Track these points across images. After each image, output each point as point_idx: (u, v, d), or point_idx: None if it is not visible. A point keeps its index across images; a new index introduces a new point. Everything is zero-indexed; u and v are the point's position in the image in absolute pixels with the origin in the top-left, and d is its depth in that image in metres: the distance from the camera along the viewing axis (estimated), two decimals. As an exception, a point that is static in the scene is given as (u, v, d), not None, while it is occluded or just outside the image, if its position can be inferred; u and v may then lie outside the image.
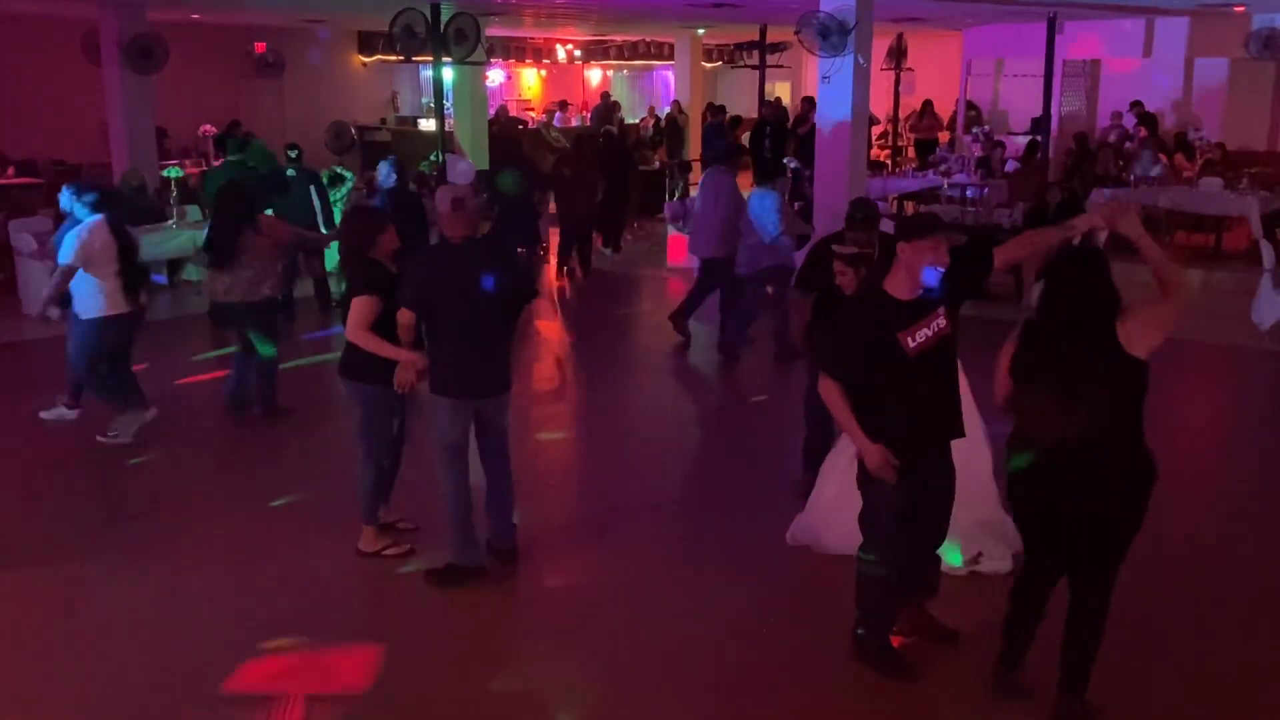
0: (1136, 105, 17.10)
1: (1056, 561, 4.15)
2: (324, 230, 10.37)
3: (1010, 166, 15.82)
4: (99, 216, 7.09)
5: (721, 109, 20.26)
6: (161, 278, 12.06)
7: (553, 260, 13.56)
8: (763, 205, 9.14)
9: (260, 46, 19.71)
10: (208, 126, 17.02)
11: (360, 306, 5.22)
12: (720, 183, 9.77)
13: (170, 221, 11.46)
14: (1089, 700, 4.13)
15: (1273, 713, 4.40)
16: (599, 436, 7.83)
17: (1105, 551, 4.02)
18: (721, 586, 5.35)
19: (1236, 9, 14.66)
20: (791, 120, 18.16)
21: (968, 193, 14.13)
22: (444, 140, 14.10)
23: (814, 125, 12.42)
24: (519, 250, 10.42)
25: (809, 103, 16.11)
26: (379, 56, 21.17)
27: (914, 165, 18.64)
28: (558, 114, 22.22)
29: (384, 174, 10.02)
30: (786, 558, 5.62)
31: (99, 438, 7.27)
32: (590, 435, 7.92)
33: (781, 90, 23.09)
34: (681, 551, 5.79)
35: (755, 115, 17.64)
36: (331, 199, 11.32)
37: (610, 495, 6.60)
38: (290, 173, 10.71)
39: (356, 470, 5.58)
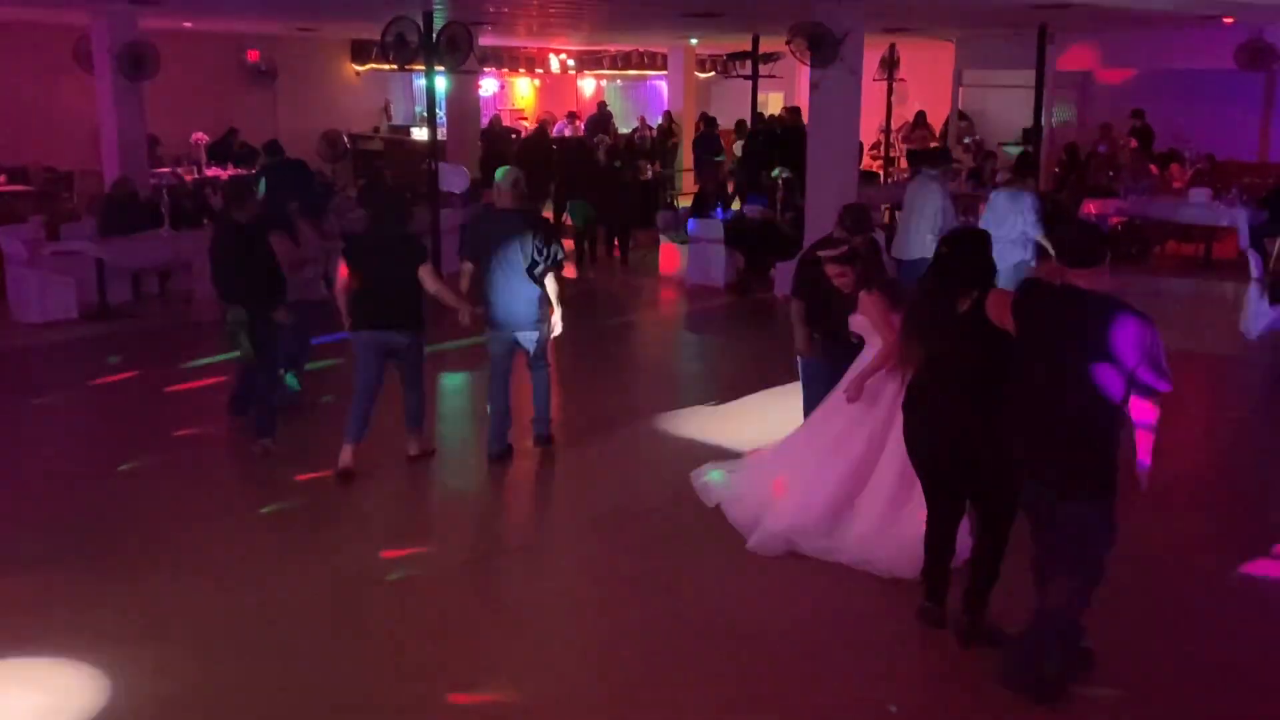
0: (1138, 114, 17.15)
1: (951, 502, 4.76)
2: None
3: (1000, 178, 15.86)
4: None
5: (713, 120, 20.31)
6: (152, 286, 12.07)
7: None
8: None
9: (253, 54, 19.71)
10: (200, 134, 17.01)
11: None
12: (929, 187, 9.88)
13: (163, 229, 11.43)
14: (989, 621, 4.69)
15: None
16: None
17: (988, 490, 4.56)
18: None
19: (1225, 20, 14.74)
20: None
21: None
22: (436, 149, 14.11)
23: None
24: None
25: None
26: (372, 65, 21.18)
27: (906, 176, 18.69)
28: (561, 124, 22.20)
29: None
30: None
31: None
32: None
33: (774, 100, 23.11)
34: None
35: (749, 124, 17.67)
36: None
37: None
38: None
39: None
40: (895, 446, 5.22)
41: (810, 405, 6.21)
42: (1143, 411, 4.11)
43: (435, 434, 7.46)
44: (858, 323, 5.61)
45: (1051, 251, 7.44)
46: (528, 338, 6.89)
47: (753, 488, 6.01)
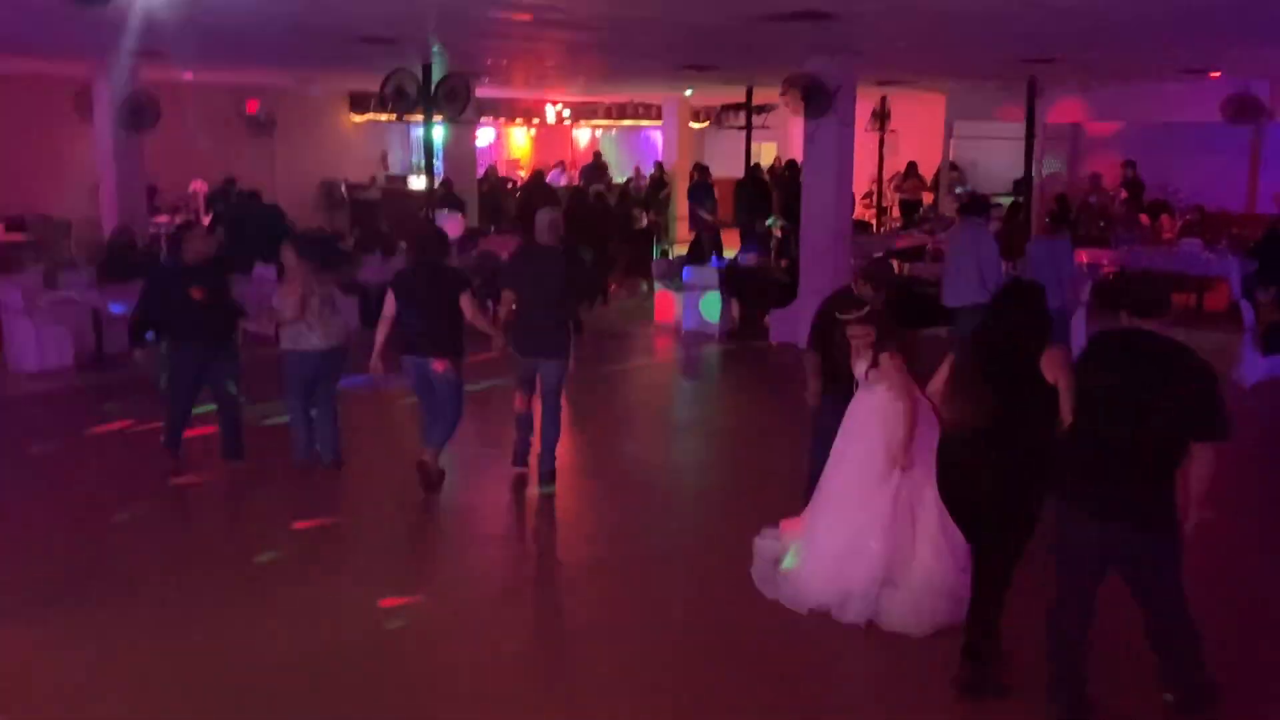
0: (1130, 165, 17.35)
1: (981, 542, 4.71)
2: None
3: (993, 227, 16.00)
4: None
5: (706, 169, 20.49)
6: (150, 333, 12.07)
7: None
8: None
9: (252, 105, 19.89)
10: (199, 183, 17.13)
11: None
12: (978, 234, 10.02)
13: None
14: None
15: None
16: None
17: (1006, 534, 4.60)
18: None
19: (1212, 75, 14.98)
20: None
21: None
22: (434, 197, 14.23)
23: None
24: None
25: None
26: (370, 115, 21.39)
27: (899, 225, 18.86)
28: (555, 173, 22.40)
29: None
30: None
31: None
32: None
33: (767, 151, 23.37)
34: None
35: (742, 174, 17.85)
36: None
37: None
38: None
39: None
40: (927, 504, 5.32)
41: (821, 455, 6.15)
42: (1204, 459, 4.21)
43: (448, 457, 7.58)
44: (870, 374, 5.66)
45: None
46: (547, 368, 7.29)
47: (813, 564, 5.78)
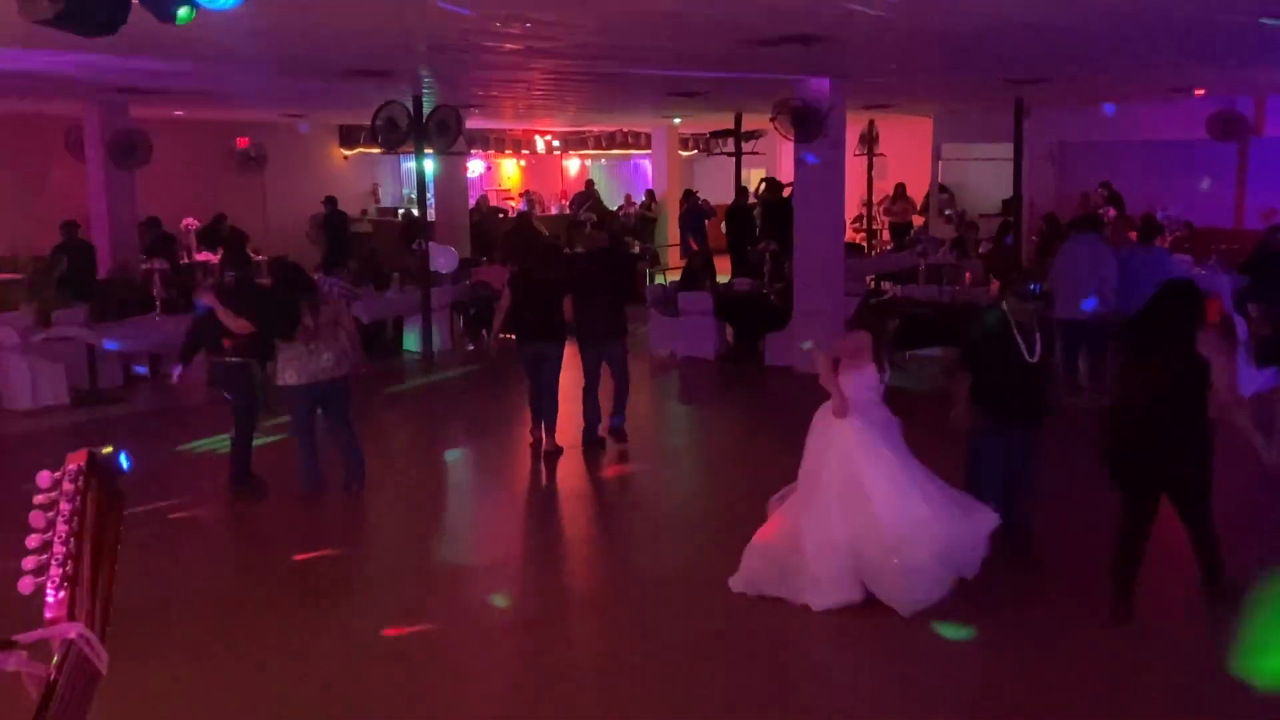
0: (1105, 185, 17.49)
1: (1148, 505, 5.51)
2: None
3: (983, 248, 16.09)
4: None
5: (696, 196, 20.57)
6: (143, 369, 12.06)
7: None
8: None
9: (243, 141, 19.96)
10: (190, 220, 17.15)
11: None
12: (1099, 250, 10.29)
13: (154, 314, 11.47)
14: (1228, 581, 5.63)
15: None
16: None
17: (1188, 490, 5.52)
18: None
19: (1197, 92, 15.12)
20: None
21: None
22: (425, 229, 14.27)
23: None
24: None
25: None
26: (360, 149, 21.47)
27: (890, 247, 18.94)
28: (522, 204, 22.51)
29: None
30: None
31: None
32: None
33: (758, 177, 23.50)
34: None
35: (731, 201, 17.94)
36: None
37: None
38: None
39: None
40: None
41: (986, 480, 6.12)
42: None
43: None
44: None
45: None
46: (611, 354, 8.99)
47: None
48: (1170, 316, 5.52)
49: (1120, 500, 5.57)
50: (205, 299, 7.68)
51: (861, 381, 5.84)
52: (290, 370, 7.48)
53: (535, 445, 9.02)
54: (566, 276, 8.98)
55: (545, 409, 8.86)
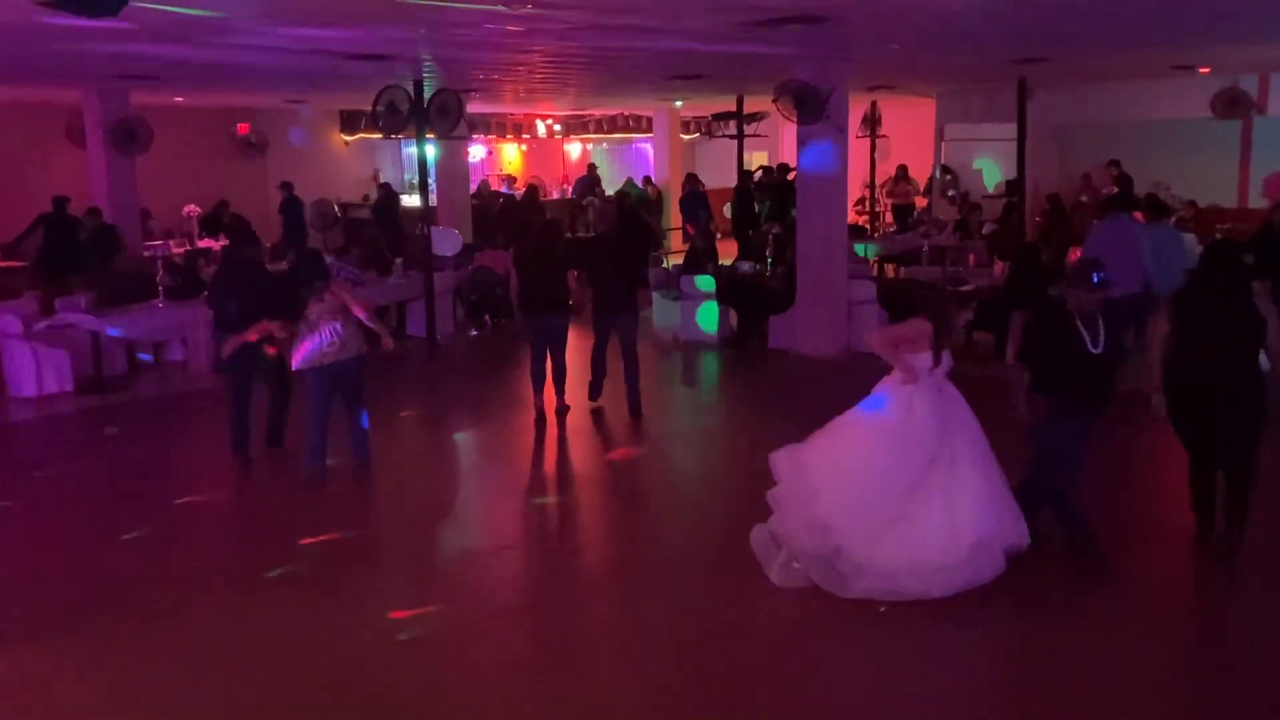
0: (1114, 164, 17.41)
1: (1209, 459, 6.11)
2: None
3: (986, 229, 16.05)
4: None
5: (697, 179, 20.51)
6: (148, 355, 12.07)
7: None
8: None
9: (243, 128, 19.93)
10: (192, 207, 17.14)
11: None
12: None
13: (157, 301, 11.47)
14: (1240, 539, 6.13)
15: None
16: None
17: (1241, 448, 5.97)
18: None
19: (1201, 70, 15.04)
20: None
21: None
22: (428, 214, 14.25)
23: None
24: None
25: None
26: (361, 134, 21.42)
27: (893, 229, 18.89)
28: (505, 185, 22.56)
29: None
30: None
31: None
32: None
33: (759, 159, 23.42)
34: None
35: (735, 183, 17.90)
36: None
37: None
38: None
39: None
40: (938, 481, 5.64)
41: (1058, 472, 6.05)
42: None
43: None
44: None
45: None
46: (621, 325, 9.38)
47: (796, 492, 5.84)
48: (1229, 278, 5.95)
49: (1189, 462, 6.23)
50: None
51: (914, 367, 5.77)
52: (304, 352, 7.53)
53: (539, 415, 9.43)
54: (571, 249, 9.44)
55: (556, 374, 9.46)
